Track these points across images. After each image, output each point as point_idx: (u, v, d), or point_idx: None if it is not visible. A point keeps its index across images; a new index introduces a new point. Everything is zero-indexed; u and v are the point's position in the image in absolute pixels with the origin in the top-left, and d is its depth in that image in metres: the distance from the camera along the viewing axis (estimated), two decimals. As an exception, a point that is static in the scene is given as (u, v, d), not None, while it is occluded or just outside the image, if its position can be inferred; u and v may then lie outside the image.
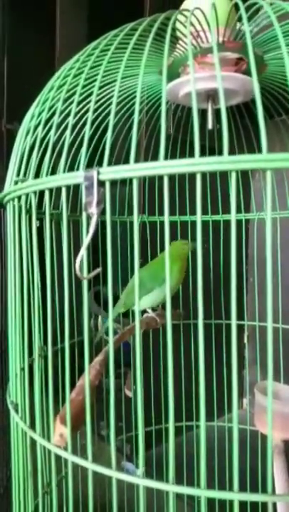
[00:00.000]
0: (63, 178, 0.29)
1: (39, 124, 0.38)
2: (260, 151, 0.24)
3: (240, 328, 1.09)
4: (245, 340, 1.13)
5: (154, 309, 0.66)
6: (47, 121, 0.37)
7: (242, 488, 0.24)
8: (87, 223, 0.28)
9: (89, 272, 0.30)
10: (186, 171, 0.24)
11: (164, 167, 0.24)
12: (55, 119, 0.34)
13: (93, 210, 0.26)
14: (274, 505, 0.50)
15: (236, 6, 0.37)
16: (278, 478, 0.53)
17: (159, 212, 0.73)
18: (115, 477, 0.27)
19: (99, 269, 0.30)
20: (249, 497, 0.23)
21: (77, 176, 0.27)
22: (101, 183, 0.26)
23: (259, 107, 0.23)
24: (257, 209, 0.76)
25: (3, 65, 1.53)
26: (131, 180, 0.26)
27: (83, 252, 0.28)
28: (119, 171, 0.26)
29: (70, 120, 0.33)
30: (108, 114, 0.51)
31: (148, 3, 1.09)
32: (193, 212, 0.69)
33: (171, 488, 0.24)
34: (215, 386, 0.73)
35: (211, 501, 0.68)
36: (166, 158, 0.25)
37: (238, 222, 0.73)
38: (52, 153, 0.34)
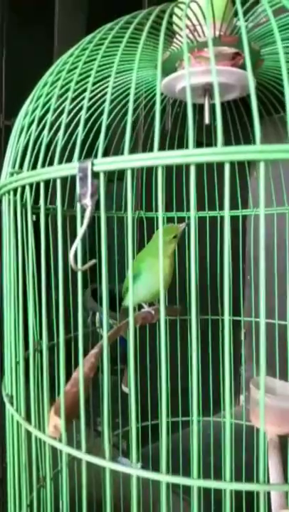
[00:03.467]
0: (58, 170, 0.29)
1: (33, 121, 0.37)
2: (255, 136, 0.24)
3: (237, 325, 1.09)
4: (242, 337, 1.13)
5: (152, 304, 0.66)
6: (41, 118, 0.37)
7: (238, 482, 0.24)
8: (81, 215, 0.28)
9: (82, 261, 0.30)
10: (179, 162, 0.24)
11: (157, 158, 0.24)
12: (49, 117, 0.34)
13: (87, 201, 0.26)
14: (269, 498, 0.50)
15: (233, 0, 0.37)
16: (273, 472, 0.53)
17: (157, 208, 0.73)
18: (109, 468, 0.27)
19: (94, 261, 0.31)
20: (241, 486, 0.23)
21: (72, 167, 0.27)
22: (95, 175, 0.26)
23: (253, 98, 0.23)
24: (254, 206, 0.77)
25: (1, 61, 1.53)
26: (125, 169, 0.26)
27: (78, 242, 0.28)
28: (113, 162, 0.26)
29: (64, 118, 0.33)
30: (103, 109, 0.51)
31: (146, 3, 1.09)
32: (190, 209, 0.69)
33: (163, 478, 0.24)
34: (211, 381, 0.73)
35: (207, 497, 0.68)
36: (161, 146, 0.25)
37: (236, 219, 0.73)
38: (46, 150, 0.34)
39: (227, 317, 0.26)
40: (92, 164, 0.26)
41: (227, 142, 0.24)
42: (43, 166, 0.33)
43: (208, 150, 0.23)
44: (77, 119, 0.45)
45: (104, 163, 0.26)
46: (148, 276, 0.60)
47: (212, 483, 0.24)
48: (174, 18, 0.40)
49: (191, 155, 0.23)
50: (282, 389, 0.60)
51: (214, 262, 0.67)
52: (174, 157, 0.24)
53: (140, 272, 0.61)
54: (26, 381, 0.38)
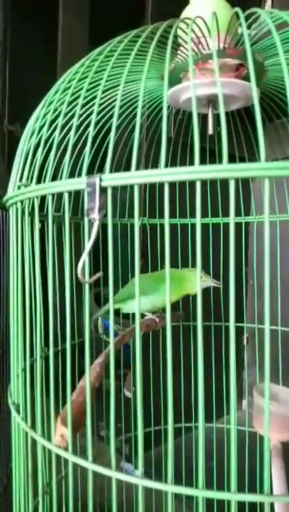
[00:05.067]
0: (66, 184, 0.29)
1: (44, 125, 0.38)
2: (260, 154, 0.24)
3: (240, 330, 1.09)
4: (245, 342, 1.13)
5: (155, 311, 0.67)
6: (51, 122, 0.38)
7: (240, 489, 0.24)
8: (89, 228, 0.28)
9: (90, 274, 0.30)
10: (185, 179, 0.24)
11: (164, 175, 0.25)
12: (60, 121, 0.35)
13: (95, 215, 0.27)
14: (272, 506, 0.51)
15: (237, 13, 0.38)
16: (276, 479, 0.54)
17: (160, 214, 0.73)
18: (115, 477, 0.28)
19: (100, 273, 0.31)
20: (246, 497, 0.23)
21: (80, 183, 0.28)
22: (103, 190, 0.27)
23: (258, 117, 0.23)
24: (257, 212, 0.77)
25: (5, 67, 1.54)
26: (132, 185, 0.27)
27: (85, 257, 0.28)
28: (121, 178, 0.26)
29: (75, 122, 0.33)
30: (110, 117, 0.52)
31: (149, 7, 1.10)
32: (193, 215, 0.70)
33: (169, 488, 0.25)
34: (214, 387, 0.73)
35: (209, 503, 0.68)
36: (167, 161, 0.25)
37: (238, 225, 0.73)
38: (56, 154, 0.35)
39: (232, 324, 0.26)
40: (100, 180, 0.26)
41: (229, 147, 0.24)
42: (51, 172, 0.33)
43: (213, 167, 0.24)
44: (84, 125, 0.46)
45: (112, 179, 0.26)
46: (155, 297, 0.62)
47: (217, 494, 0.24)
48: (179, 31, 0.41)
49: (196, 172, 0.24)
50: (285, 395, 0.60)
51: (217, 269, 0.67)
52: (180, 174, 0.24)
53: (150, 291, 0.62)
54: (32, 389, 0.38)
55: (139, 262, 0.28)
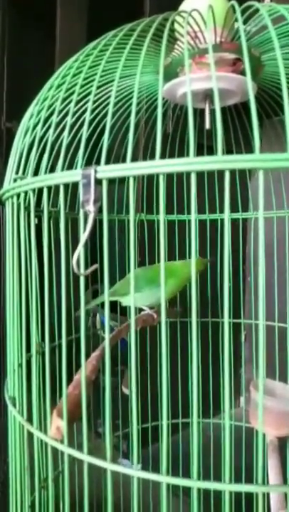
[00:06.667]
0: (61, 176, 0.29)
1: (38, 122, 0.38)
2: (254, 145, 0.24)
3: (238, 327, 1.09)
4: (243, 339, 1.13)
5: (153, 307, 0.67)
6: (46, 119, 0.38)
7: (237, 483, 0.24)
8: (84, 221, 0.28)
9: (85, 266, 0.30)
10: (181, 170, 0.25)
11: (159, 166, 0.25)
12: (54, 118, 0.35)
13: (90, 207, 0.27)
14: (267, 499, 0.51)
15: (234, 7, 0.38)
16: (272, 474, 0.54)
17: (157, 210, 0.73)
18: (110, 469, 0.28)
19: (96, 265, 0.31)
20: (239, 488, 0.24)
21: (75, 174, 0.28)
22: (98, 182, 0.27)
23: (253, 107, 0.23)
24: (254, 208, 0.77)
25: (3, 64, 1.54)
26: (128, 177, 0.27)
27: (80, 248, 0.28)
28: (116, 170, 0.26)
29: (69, 119, 0.33)
30: (107, 112, 0.52)
31: (148, 4, 1.09)
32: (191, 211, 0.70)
33: (163, 479, 0.25)
34: (211, 384, 0.73)
35: (207, 501, 0.68)
36: (164, 156, 0.25)
37: (236, 221, 0.74)
38: (50, 152, 0.35)
39: (227, 320, 0.26)
40: (96, 171, 0.26)
41: (227, 142, 0.24)
42: (47, 167, 0.33)
43: (208, 158, 0.24)
44: (80, 121, 0.46)
45: (107, 171, 0.26)
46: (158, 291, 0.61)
47: (212, 485, 0.24)
48: (176, 25, 0.41)
49: (191, 163, 0.24)
50: (282, 391, 0.61)
51: (214, 265, 0.67)
52: (175, 165, 0.24)
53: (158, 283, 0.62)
54: (29, 383, 0.38)
55: (137, 260, 0.28)
